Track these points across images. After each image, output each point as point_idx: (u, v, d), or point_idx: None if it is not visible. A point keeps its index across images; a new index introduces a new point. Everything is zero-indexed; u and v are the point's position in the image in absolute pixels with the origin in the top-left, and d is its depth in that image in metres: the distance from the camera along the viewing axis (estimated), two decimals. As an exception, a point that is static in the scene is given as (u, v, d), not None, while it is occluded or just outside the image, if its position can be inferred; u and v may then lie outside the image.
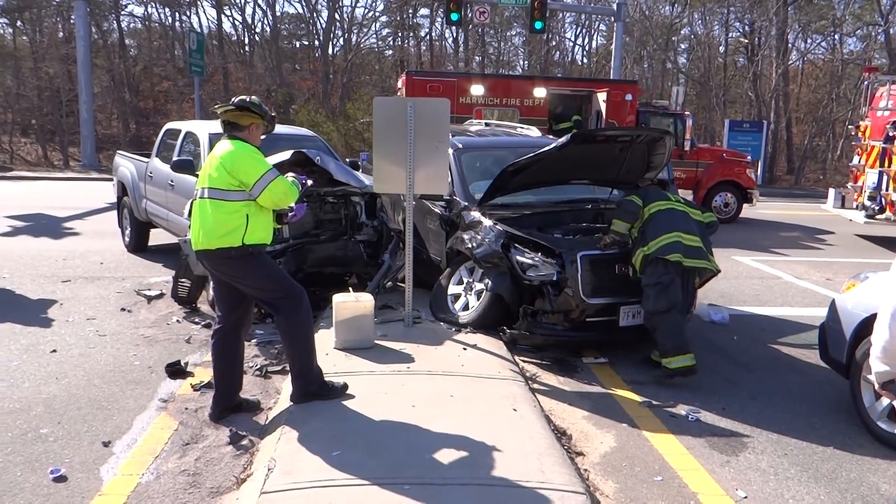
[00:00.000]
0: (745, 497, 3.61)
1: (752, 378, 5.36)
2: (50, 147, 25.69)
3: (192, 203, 4.23)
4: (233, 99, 4.21)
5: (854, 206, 12.46)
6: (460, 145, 6.91)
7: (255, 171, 3.96)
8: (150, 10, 30.55)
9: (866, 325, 4.42)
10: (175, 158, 7.66)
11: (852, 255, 10.95)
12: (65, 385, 4.78)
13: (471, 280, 5.98)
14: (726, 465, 3.95)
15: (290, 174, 4.42)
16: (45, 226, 11.14)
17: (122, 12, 30.08)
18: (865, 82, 13.02)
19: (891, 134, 11.39)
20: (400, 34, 33.86)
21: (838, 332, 4.68)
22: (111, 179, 10.38)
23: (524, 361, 5.43)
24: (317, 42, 31.83)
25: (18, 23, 27.89)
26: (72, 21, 24.22)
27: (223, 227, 3.97)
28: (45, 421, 4.21)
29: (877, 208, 11.74)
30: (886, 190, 11.59)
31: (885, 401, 4.29)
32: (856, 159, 12.75)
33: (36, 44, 27.89)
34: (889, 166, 11.49)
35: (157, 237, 9.24)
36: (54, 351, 5.43)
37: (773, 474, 3.87)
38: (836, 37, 30.46)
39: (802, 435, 4.37)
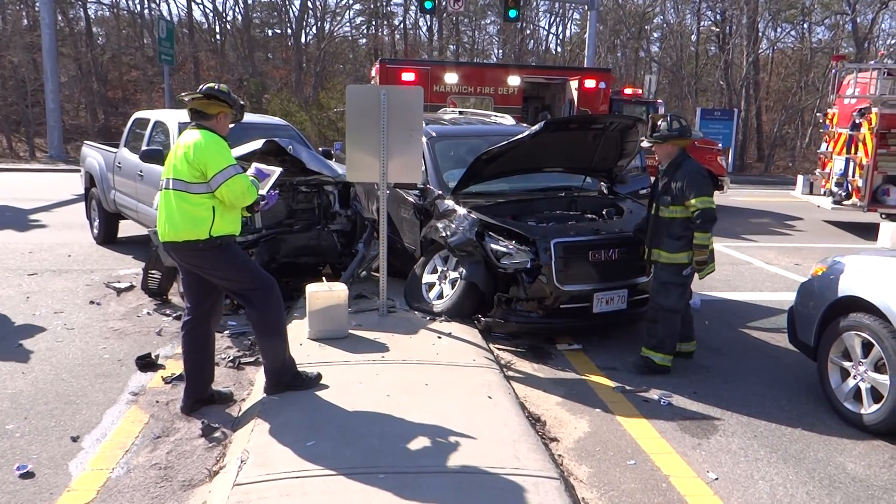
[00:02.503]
0: (716, 478, 3.67)
1: (723, 362, 5.44)
2: (15, 138, 25.06)
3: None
4: (200, 86, 4.13)
5: (822, 193, 12.71)
6: (434, 134, 6.88)
7: (217, 163, 3.86)
8: (117, -3, 29.92)
9: (833, 309, 4.51)
10: (144, 148, 7.53)
11: (820, 241, 11.16)
12: (31, 379, 4.68)
13: (445, 269, 5.98)
14: (698, 448, 4.01)
15: (253, 167, 4.36)
16: (10, 218, 10.88)
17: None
18: (833, 71, 13.22)
19: (857, 121, 11.61)
20: (374, 22, 33.58)
21: (806, 315, 4.77)
22: (79, 170, 10.17)
23: (499, 349, 5.45)
24: (289, 31, 31.40)
25: (-20, 10, 27.11)
26: (36, 8, 23.55)
27: (189, 220, 3.89)
28: (10, 416, 4.13)
29: (843, 194, 11.98)
30: (853, 176, 11.82)
31: (850, 382, 4.39)
32: (823, 146, 12.98)
33: (-1, 31, 27.14)
34: (855, 153, 11.71)
35: (127, 229, 9.08)
36: (20, 345, 5.31)
37: (744, 456, 3.93)
38: (806, 26, 30.90)
39: (772, 417, 4.45)
